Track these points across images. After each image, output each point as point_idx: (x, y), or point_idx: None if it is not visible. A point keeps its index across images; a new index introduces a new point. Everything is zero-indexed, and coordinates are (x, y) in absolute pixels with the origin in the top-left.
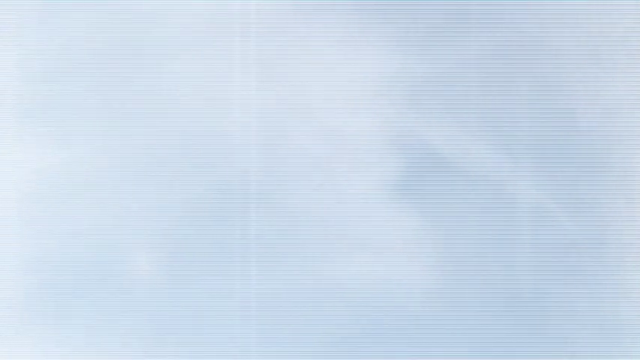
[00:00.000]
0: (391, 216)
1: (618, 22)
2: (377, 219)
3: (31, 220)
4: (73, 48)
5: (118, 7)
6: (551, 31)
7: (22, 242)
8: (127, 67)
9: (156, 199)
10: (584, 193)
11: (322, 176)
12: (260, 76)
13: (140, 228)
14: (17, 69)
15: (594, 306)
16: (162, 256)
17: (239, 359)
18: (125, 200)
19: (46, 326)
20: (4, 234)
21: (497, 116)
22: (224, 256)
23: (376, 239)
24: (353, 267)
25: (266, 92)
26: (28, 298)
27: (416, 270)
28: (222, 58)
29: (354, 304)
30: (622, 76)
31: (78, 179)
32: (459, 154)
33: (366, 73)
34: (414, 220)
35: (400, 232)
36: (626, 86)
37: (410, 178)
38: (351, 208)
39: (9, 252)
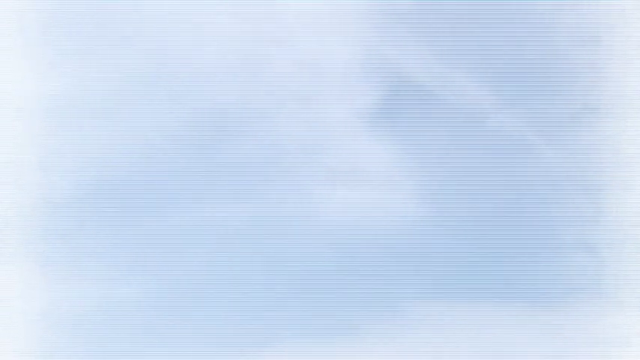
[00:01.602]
0: (369, 144)
1: None
2: (355, 148)
3: None
4: None
5: None
6: None
7: None
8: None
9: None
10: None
11: (300, 106)
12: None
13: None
14: None
15: (572, 232)
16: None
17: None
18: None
19: None
20: None
21: (477, 47)
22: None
23: (355, 167)
24: (330, 195)
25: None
26: None
27: (394, 198)
28: None
29: (334, 233)
30: None
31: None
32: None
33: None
34: (391, 149)
35: (378, 160)
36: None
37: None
38: (331, 136)
39: None
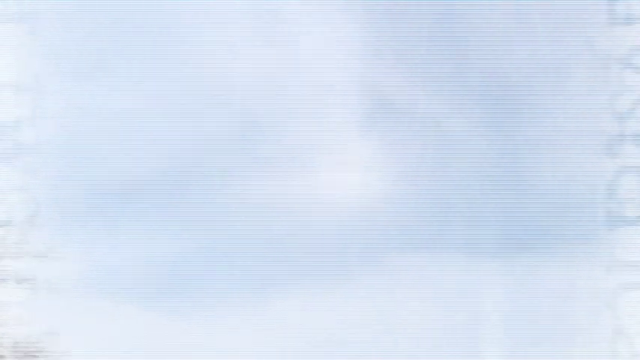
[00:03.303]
0: (359, 140)
1: None
2: (348, 144)
3: None
4: None
5: None
6: None
7: None
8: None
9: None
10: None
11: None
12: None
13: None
14: None
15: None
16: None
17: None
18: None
19: None
20: None
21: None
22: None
23: (348, 158)
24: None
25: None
26: None
27: (378, 180)
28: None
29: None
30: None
31: None
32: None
33: (342, 37)
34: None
35: (366, 152)
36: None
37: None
38: (328, 135)
39: None
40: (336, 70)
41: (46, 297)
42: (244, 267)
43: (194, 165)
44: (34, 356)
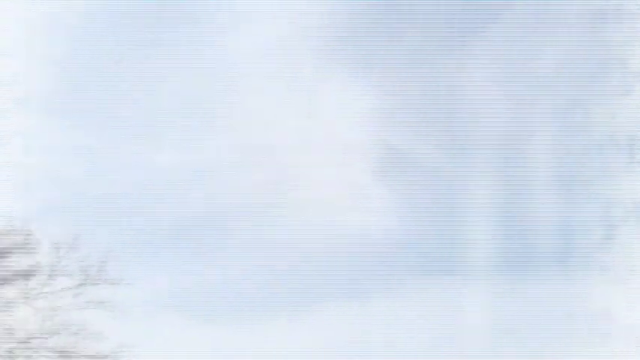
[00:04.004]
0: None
1: None
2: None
3: None
4: None
5: None
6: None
7: None
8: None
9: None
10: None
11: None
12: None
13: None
14: None
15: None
16: None
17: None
18: None
19: None
20: None
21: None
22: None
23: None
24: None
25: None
26: None
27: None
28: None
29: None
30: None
31: None
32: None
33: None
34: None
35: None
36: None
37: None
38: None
39: None
40: (353, 127)
41: (123, 318)
42: (283, 290)
43: (238, 210)
44: None
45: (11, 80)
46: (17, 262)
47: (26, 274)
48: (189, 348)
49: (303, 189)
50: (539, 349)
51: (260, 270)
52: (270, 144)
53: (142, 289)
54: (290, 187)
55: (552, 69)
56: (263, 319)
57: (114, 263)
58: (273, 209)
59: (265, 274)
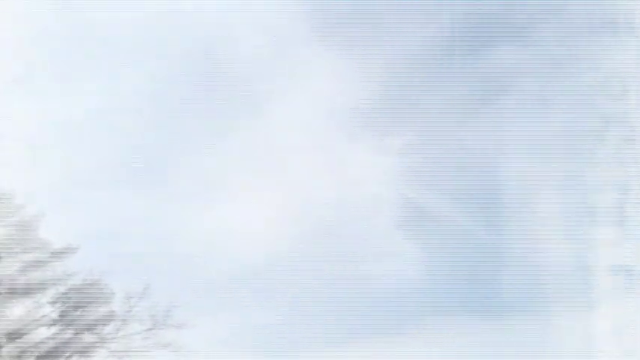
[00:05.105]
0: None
1: None
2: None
3: None
4: None
5: None
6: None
7: None
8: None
9: None
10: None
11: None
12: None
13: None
14: None
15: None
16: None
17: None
18: None
19: None
20: None
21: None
22: None
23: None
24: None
25: None
26: None
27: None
28: None
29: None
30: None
31: None
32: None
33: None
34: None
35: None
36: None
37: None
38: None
39: None
40: (378, 185)
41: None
42: (323, 329)
43: (282, 260)
44: None
45: None
46: (95, 311)
47: (103, 321)
48: None
49: (335, 244)
50: None
51: (302, 313)
52: (309, 200)
53: (204, 332)
54: (325, 243)
55: None
56: (308, 354)
57: (179, 309)
58: (311, 260)
59: (306, 316)
